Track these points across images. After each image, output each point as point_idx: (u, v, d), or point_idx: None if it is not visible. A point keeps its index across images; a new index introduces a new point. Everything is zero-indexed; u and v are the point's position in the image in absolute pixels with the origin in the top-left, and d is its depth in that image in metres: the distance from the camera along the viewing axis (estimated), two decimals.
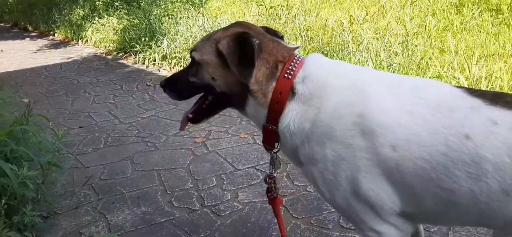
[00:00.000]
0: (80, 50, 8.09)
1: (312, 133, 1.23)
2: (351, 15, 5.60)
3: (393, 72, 3.92)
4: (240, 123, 3.77)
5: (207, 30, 6.03)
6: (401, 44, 4.38)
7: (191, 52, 1.41)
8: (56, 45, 8.86)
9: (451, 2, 5.47)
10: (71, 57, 7.39)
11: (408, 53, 4.16)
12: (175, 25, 6.81)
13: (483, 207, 1.07)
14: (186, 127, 1.54)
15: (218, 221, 2.33)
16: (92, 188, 2.75)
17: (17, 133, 2.10)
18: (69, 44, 8.97)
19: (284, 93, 1.27)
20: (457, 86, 1.22)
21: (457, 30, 4.88)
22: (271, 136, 1.33)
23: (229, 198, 2.57)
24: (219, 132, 3.62)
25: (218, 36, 1.36)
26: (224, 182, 2.76)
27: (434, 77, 3.69)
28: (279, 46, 1.35)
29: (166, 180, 2.82)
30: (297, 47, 1.39)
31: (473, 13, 5.12)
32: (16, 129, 2.08)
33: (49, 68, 6.64)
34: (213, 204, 2.51)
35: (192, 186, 2.73)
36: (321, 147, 1.21)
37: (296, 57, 1.32)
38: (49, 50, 8.36)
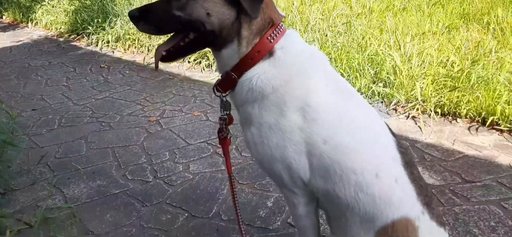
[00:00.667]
0: (30, 33, 7.87)
1: (267, 98, 1.33)
2: None
3: (337, 50, 4.20)
4: (194, 102, 3.93)
5: None
6: (345, 24, 4.66)
7: None
8: (4, 28, 8.54)
9: None
10: (21, 40, 7.20)
11: (351, 33, 4.45)
12: (129, 6, 6.79)
13: (348, 214, 1.35)
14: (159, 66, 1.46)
15: (170, 190, 2.52)
16: (48, 166, 2.85)
17: None
18: (18, 27, 8.68)
19: (262, 54, 1.32)
20: (392, 133, 1.41)
21: (397, 10, 5.23)
22: (229, 83, 1.38)
23: (181, 169, 2.75)
24: (173, 110, 3.77)
25: None
26: (177, 156, 2.94)
27: (372, 55, 4.00)
28: (273, 4, 1.38)
29: (120, 156, 2.96)
30: (284, 16, 1.47)
31: None
32: None
33: None
34: (165, 175, 2.69)
35: (145, 160, 2.90)
36: (266, 112, 1.35)
37: (280, 25, 1.37)
38: None
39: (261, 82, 1.33)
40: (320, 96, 1.33)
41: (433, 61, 3.86)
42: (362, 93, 3.85)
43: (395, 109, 3.65)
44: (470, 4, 5.11)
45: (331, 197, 1.35)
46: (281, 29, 1.38)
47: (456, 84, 3.48)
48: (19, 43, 7.02)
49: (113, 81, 4.71)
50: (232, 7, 1.28)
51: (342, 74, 4.01)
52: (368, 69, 3.90)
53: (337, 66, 4.08)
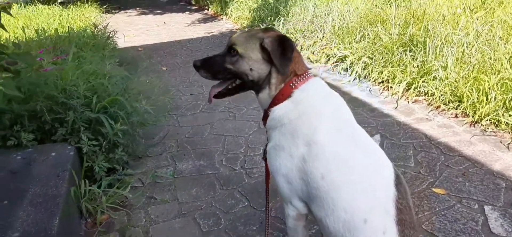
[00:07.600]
0: (222, 25, 9.43)
1: (284, 126, 1.72)
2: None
3: (467, 68, 3.88)
4: None
5: (317, 15, 6.51)
6: (489, 41, 4.18)
7: (232, 45, 1.72)
8: (206, 20, 10.42)
9: None
10: (212, 32, 8.75)
11: (494, 51, 3.99)
12: (294, 6, 7.46)
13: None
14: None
15: (246, 180, 3.04)
16: (176, 142, 3.74)
17: (119, 101, 3.16)
18: (216, 19, 10.43)
19: (285, 96, 1.71)
20: (396, 187, 1.55)
21: None
22: (267, 116, 1.78)
23: (263, 164, 3.22)
24: None
25: (260, 36, 1.70)
26: None
27: (505, 79, 3.56)
28: (299, 59, 1.75)
29: (227, 144, 3.63)
30: (311, 68, 1.84)
31: None
32: (118, 98, 3.13)
33: (192, 41, 8.08)
34: (249, 167, 3.22)
35: (243, 151, 3.48)
36: (282, 137, 1.73)
37: (305, 73, 1.73)
38: (199, 24, 9.96)
39: (280, 114, 1.72)
40: (325, 136, 1.63)
41: None
42: (487, 120, 3.51)
43: None
44: None
45: (323, 225, 1.63)
46: (305, 77, 1.74)
47: None
48: (210, 35, 8.56)
49: None
50: (268, 64, 1.73)
51: (468, 97, 3.71)
52: (496, 95, 3.51)
53: (466, 87, 3.78)
